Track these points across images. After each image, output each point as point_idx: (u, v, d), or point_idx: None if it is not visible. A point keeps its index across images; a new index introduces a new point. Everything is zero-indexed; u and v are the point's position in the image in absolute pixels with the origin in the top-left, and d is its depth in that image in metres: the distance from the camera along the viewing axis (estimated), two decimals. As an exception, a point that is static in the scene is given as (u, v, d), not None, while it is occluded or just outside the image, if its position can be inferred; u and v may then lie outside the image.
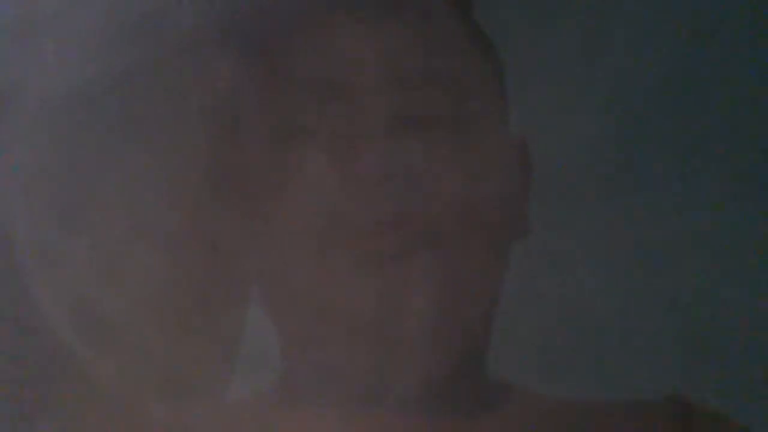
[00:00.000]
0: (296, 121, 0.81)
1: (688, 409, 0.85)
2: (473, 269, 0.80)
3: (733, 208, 0.96)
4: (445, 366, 0.80)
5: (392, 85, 0.80)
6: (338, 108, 0.79)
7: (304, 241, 0.79)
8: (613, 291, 0.95)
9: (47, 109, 0.83)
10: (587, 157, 0.94)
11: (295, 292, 0.80)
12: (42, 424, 0.83)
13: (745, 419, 0.91)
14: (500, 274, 0.83)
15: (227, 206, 0.83)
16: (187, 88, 0.83)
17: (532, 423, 0.83)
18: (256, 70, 0.82)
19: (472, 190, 0.80)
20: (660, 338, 0.95)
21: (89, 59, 0.83)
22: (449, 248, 0.79)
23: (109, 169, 0.83)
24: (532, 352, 0.93)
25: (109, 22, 0.83)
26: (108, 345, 0.82)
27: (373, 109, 0.79)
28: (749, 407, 0.94)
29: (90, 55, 0.83)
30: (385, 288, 0.78)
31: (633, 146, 0.96)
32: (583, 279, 0.94)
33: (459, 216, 0.79)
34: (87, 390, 0.83)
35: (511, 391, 0.85)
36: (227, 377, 0.85)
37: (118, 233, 0.82)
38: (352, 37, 0.80)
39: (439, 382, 0.80)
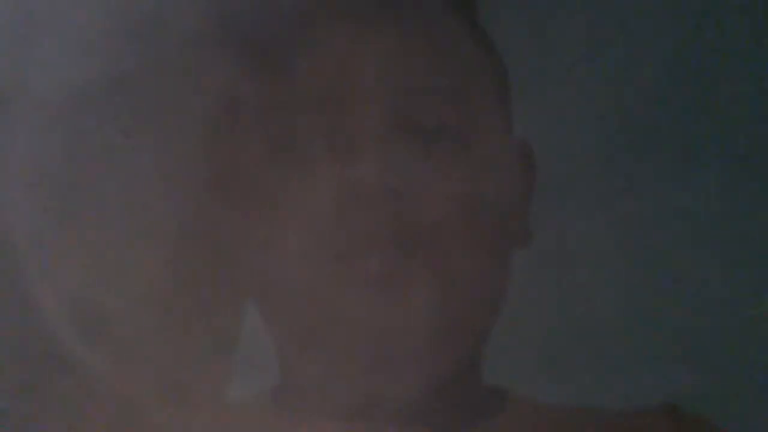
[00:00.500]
0: (295, 128, 0.80)
1: (681, 419, 0.85)
2: (474, 279, 0.80)
3: (733, 206, 0.96)
4: (443, 374, 0.80)
5: (393, 93, 0.79)
6: (337, 114, 0.79)
7: (303, 245, 0.79)
8: (613, 291, 0.95)
9: (47, 109, 0.83)
10: (587, 157, 0.94)
11: (293, 296, 0.80)
12: (42, 424, 0.83)
13: (746, 419, 0.91)
14: (502, 284, 0.83)
15: (227, 207, 0.83)
16: (188, 88, 0.83)
17: (527, 431, 0.83)
18: (257, 71, 0.82)
19: (473, 200, 0.79)
20: (660, 338, 0.95)
21: (89, 59, 0.83)
22: (449, 259, 0.79)
23: (109, 170, 0.83)
24: (532, 352, 0.93)
25: (109, 22, 0.83)
26: (108, 345, 0.82)
27: (373, 117, 0.79)
28: (749, 407, 0.94)
29: (90, 55, 0.83)
30: (385, 295, 0.78)
31: (633, 146, 0.96)
32: (583, 279, 0.94)
33: (459, 226, 0.79)
34: (87, 390, 0.83)
35: (507, 398, 0.85)
36: (227, 378, 0.85)
37: (118, 233, 0.82)
38: (353, 43, 0.80)
39: (436, 390, 0.80)
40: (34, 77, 0.84)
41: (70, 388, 0.83)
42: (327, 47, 0.80)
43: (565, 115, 0.94)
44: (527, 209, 0.86)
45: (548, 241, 0.92)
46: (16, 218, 0.83)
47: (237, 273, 0.83)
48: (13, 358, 0.84)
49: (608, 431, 0.84)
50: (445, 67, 0.81)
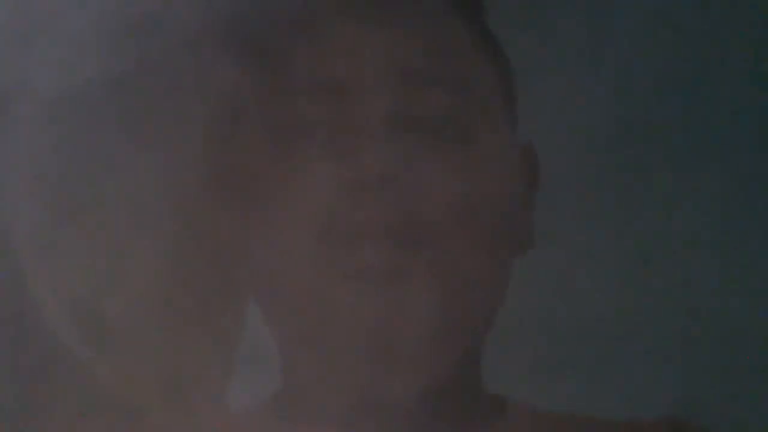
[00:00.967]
0: (296, 122, 0.80)
1: (681, 430, 0.85)
2: (472, 278, 0.79)
3: (733, 208, 0.96)
4: (441, 377, 0.80)
5: (394, 86, 0.79)
6: (338, 108, 0.79)
7: (304, 244, 0.79)
8: (612, 291, 0.95)
9: (47, 109, 0.83)
10: (587, 156, 0.94)
11: (294, 296, 0.80)
12: (42, 424, 0.83)
13: (746, 419, 0.91)
14: (501, 288, 0.82)
15: (227, 207, 0.82)
16: (188, 88, 0.83)
17: None
18: (257, 70, 0.82)
19: (474, 196, 0.79)
20: (660, 340, 0.95)
21: (89, 59, 0.83)
22: (449, 257, 0.78)
23: (109, 169, 0.83)
24: (530, 355, 0.93)
25: (109, 22, 0.83)
26: (108, 345, 0.82)
27: (374, 110, 0.79)
28: (750, 408, 0.94)
29: (90, 55, 0.83)
30: (384, 290, 0.78)
31: (633, 146, 0.96)
32: (583, 279, 0.94)
33: (459, 223, 0.78)
34: (87, 390, 0.83)
35: (506, 405, 0.85)
36: (227, 378, 0.85)
37: (118, 233, 0.82)
38: (354, 36, 0.80)
39: (435, 392, 0.80)
40: (34, 77, 0.84)
41: (70, 388, 0.83)
42: (327, 39, 0.79)
43: (566, 113, 0.94)
44: (530, 214, 0.85)
45: (547, 242, 0.91)
46: (16, 218, 0.83)
47: (237, 272, 0.83)
48: (13, 359, 0.84)
49: None
50: (449, 60, 0.80)
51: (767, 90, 0.97)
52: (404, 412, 0.79)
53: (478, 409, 0.84)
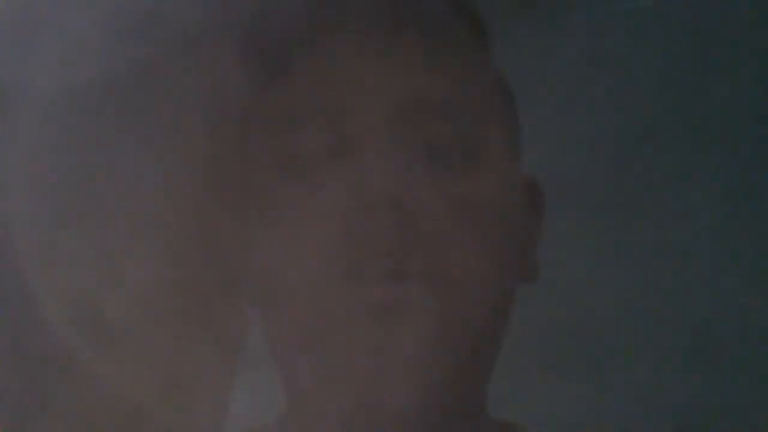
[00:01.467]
0: (299, 145, 0.80)
1: None
2: (476, 305, 0.79)
3: (734, 209, 0.96)
4: (442, 390, 0.79)
5: (397, 113, 0.79)
6: (341, 134, 0.79)
7: (305, 252, 0.79)
8: (612, 291, 0.95)
9: (47, 109, 0.83)
10: (588, 157, 0.94)
11: (294, 304, 0.80)
12: (42, 424, 0.83)
13: (746, 419, 0.91)
14: (505, 316, 0.82)
15: (228, 207, 0.82)
16: (188, 88, 0.83)
17: None
18: (259, 74, 0.82)
19: (479, 223, 0.79)
20: (660, 338, 0.95)
21: (89, 59, 0.83)
22: (453, 282, 0.78)
23: (109, 169, 0.83)
24: (534, 351, 0.93)
25: (109, 21, 0.83)
26: (108, 345, 0.82)
27: (377, 136, 0.79)
28: (750, 406, 0.94)
29: (90, 55, 0.83)
30: (387, 318, 0.77)
31: (633, 147, 0.96)
32: (583, 279, 0.94)
33: (464, 249, 0.78)
34: (87, 390, 0.83)
35: (512, 430, 0.85)
36: (228, 379, 0.85)
37: (118, 233, 0.82)
38: (363, 56, 0.80)
39: (436, 404, 0.79)
40: (34, 77, 0.84)
41: (71, 388, 0.83)
42: (335, 59, 0.79)
43: (566, 116, 0.94)
44: (536, 244, 0.85)
45: (547, 243, 0.91)
46: (16, 218, 0.83)
47: (238, 273, 0.83)
48: (13, 358, 0.84)
49: None
50: (453, 88, 0.80)
51: (767, 91, 0.97)
52: (404, 421, 0.79)
53: (480, 430, 0.83)
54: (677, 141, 0.95)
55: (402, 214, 0.77)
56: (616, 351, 0.94)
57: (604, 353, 0.93)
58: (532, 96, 0.92)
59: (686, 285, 0.95)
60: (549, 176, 0.91)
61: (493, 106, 0.82)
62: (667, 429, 0.93)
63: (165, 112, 0.82)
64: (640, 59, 0.95)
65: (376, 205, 0.77)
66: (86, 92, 0.83)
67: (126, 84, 0.82)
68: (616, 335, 0.94)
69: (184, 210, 0.83)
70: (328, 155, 0.79)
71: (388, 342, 0.77)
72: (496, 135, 0.82)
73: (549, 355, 0.93)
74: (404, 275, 0.77)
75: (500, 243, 0.80)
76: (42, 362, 0.83)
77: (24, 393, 0.83)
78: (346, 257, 0.77)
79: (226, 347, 0.85)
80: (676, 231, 0.95)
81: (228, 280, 0.83)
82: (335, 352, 0.78)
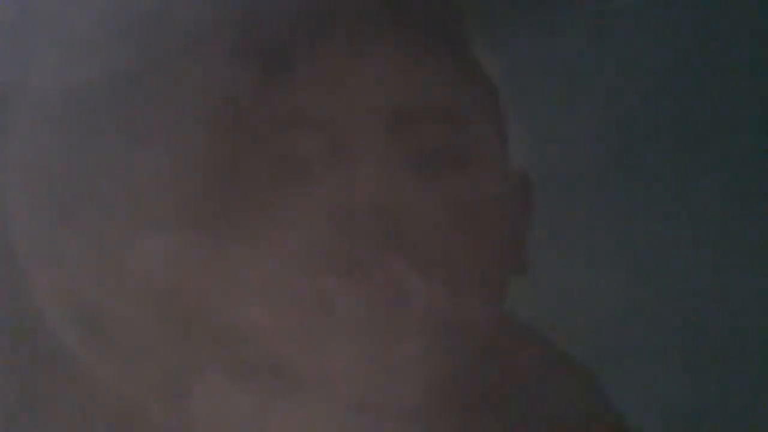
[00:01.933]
0: (288, 152, 0.81)
1: None
2: (467, 308, 0.80)
3: (734, 209, 0.96)
4: (441, 390, 0.80)
5: (384, 119, 0.80)
6: (329, 141, 0.79)
7: (299, 255, 0.79)
8: (612, 291, 0.95)
9: (47, 109, 0.83)
10: (587, 157, 0.94)
11: (294, 300, 0.80)
12: (42, 424, 0.83)
13: (746, 419, 0.91)
14: (496, 315, 0.83)
15: (228, 207, 0.83)
16: (188, 88, 0.83)
17: None
18: (257, 74, 0.82)
19: (468, 224, 0.80)
20: (661, 341, 0.95)
21: (89, 59, 0.83)
22: (443, 285, 0.79)
23: (109, 169, 0.83)
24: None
25: (109, 22, 0.83)
26: (108, 345, 0.82)
27: (365, 142, 0.79)
28: (749, 407, 0.94)
29: (90, 55, 0.83)
30: (379, 324, 0.78)
31: (633, 147, 0.96)
32: (582, 279, 0.94)
33: (454, 252, 0.79)
34: (87, 390, 0.83)
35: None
36: (228, 379, 0.85)
37: (118, 233, 0.82)
38: (343, 71, 0.80)
39: (436, 402, 0.80)
40: (34, 77, 0.84)
41: (70, 388, 0.83)
42: (328, 64, 0.80)
43: (565, 114, 0.94)
44: (525, 238, 0.86)
45: (548, 243, 0.91)
46: (16, 218, 0.83)
47: (237, 274, 0.83)
48: (13, 358, 0.84)
49: None
50: (437, 91, 0.81)
51: (767, 92, 0.97)
52: (404, 417, 0.80)
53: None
54: (677, 141, 0.95)
55: (394, 216, 0.77)
56: (615, 351, 0.94)
57: (603, 353, 0.93)
58: (532, 96, 0.92)
59: (686, 285, 0.95)
60: (548, 176, 0.91)
61: (481, 108, 0.83)
62: (666, 429, 0.93)
63: (166, 112, 0.82)
64: (640, 59, 0.95)
65: (368, 207, 0.77)
66: (86, 92, 0.83)
67: (126, 84, 0.82)
68: (616, 335, 0.94)
69: (184, 210, 0.83)
70: (322, 158, 0.79)
71: (385, 338, 0.77)
72: (485, 136, 0.82)
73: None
74: (397, 274, 0.77)
75: (491, 243, 0.81)
76: (41, 362, 0.83)
77: (23, 393, 0.83)
78: (336, 262, 0.78)
79: (226, 347, 0.85)
80: (676, 231, 0.95)
81: (227, 273, 0.83)
82: (332, 352, 0.79)
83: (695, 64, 0.97)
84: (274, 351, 0.83)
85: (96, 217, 0.83)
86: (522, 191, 0.86)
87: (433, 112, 0.81)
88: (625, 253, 0.96)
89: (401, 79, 0.80)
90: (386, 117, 0.80)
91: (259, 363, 0.84)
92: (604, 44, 0.95)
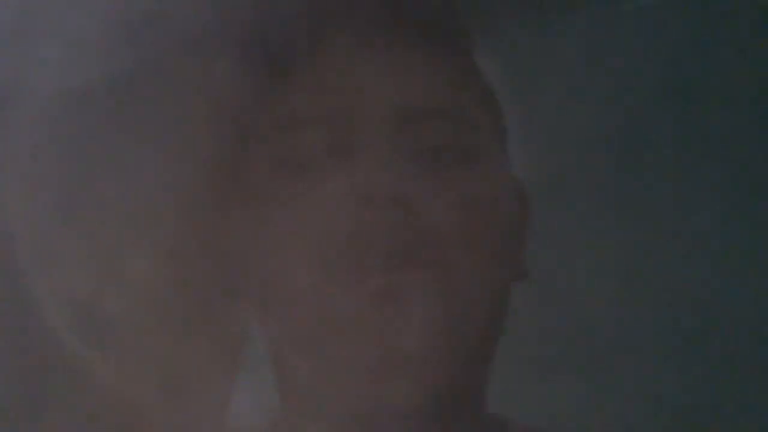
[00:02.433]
0: (299, 146, 0.81)
1: None
2: (473, 299, 0.81)
3: (734, 209, 0.96)
4: (442, 388, 0.80)
5: (392, 116, 0.81)
6: (341, 135, 0.80)
7: (305, 251, 0.80)
8: (612, 291, 0.95)
9: (47, 109, 0.83)
10: (587, 157, 0.94)
11: (293, 305, 0.80)
12: (42, 424, 0.83)
13: (746, 419, 0.91)
14: (501, 313, 0.83)
15: (228, 208, 0.83)
16: (189, 89, 0.83)
17: None
18: (259, 75, 0.82)
19: (475, 217, 0.81)
20: (661, 341, 0.95)
21: (89, 59, 0.83)
22: (451, 276, 0.80)
23: (109, 169, 0.83)
24: (532, 352, 0.93)
25: (109, 22, 0.83)
26: (108, 345, 0.82)
27: (376, 137, 0.80)
28: (749, 408, 0.94)
29: (90, 55, 0.83)
30: (386, 310, 0.79)
31: (633, 147, 0.96)
32: (583, 279, 0.94)
33: (462, 243, 0.80)
34: (87, 390, 0.83)
35: (507, 427, 0.86)
36: (228, 379, 0.85)
37: (118, 233, 0.82)
38: (353, 71, 0.81)
39: (436, 403, 0.80)
40: (34, 77, 0.84)
41: (71, 388, 0.83)
42: (336, 63, 0.81)
43: (566, 114, 0.94)
44: (524, 247, 0.86)
45: (547, 242, 0.92)
46: (16, 218, 0.83)
47: (238, 273, 0.83)
48: (13, 359, 0.84)
49: None
50: (442, 91, 0.82)
51: (767, 92, 0.97)
52: (404, 421, 0.80)
53: (478, 427, 0.84)
54: (677, 141, 0.95)
55: (402, 207, 0.78)
56: (614, 351, 0.94)
57: (602, 353, 0.93)
58: (532, 96, 0.92)
59: (686, 285, 0.95)
60: (548, 176, 0.91)
61: (483, 108, 0.84)
62: (665, 428, 0.93)
63: (166, 112, 0.82)
64: (640, 59, 0.95)
65: (376, 199, 0.78)
66: (86, 92, 0.83)
67: (126, 84, 0.82)
68: (616, 335, 0.94)
69: (184, 210, 0.83)
70: (329, 155, 0.80)
71: (388, 323, 0.78)
72: (487, 137, 0.84)
73: (548, 355, 0.94)
74: (404, 264, 0.78)
75: (495, 238, 0.81)
76: (42, 362, 0.83)
77: (23, 393, 0.83)
78: (347, 250, 0.78)
79: (226, 347, 0.85)
80: (677, 231, 0.95)
81: (228, 274, 0.83)
82: (335, 350, 0.79)
83: (695, 64, 0.97)
84: (274, 350, 0.84)
85: (96, 217, 0.83)
86: (521, 198, 0.87)
87: (438, 111, 0.82)
88: (625, 254, 0.96)
89: (402, 79, 0.81)
90: (394, 115, 0.80)
91: (258, 363, 0.84)
92: (604, 45, 0.95)
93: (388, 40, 0.82)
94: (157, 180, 0.82)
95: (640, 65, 0.96)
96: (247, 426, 0.85)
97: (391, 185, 0.79)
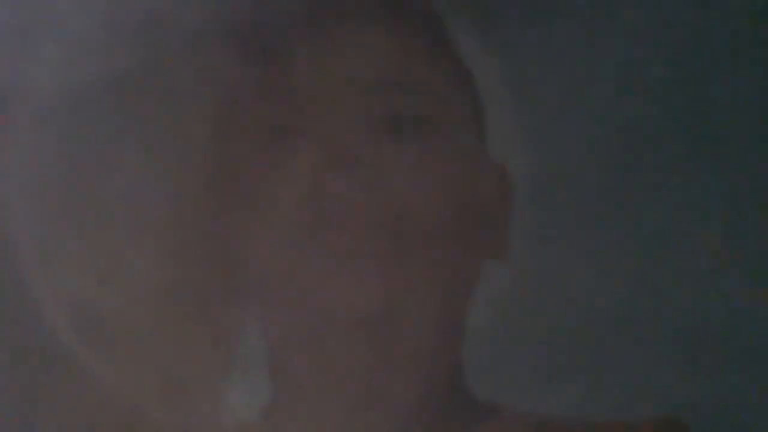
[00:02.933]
0: (287, 122, 0.83)
1: (676, 430, 0.86)
2: (449, 269, 0.82)
3: (734, 209, 0.96)
4: (438, 375, 0.81)
5: (360, 91, 0.83)
6: (312, 112, 0.81)
7: (290, 233, 0.81)
8: (612, 291, 0.95)
9: (47, 109, 0.83)
10: (587, 156, 0.94)
11: (291, 296, 0.81)
12: (42, 424, 0.83)
13: (746, 418, 0.91)
14: (472, 286, 0.85)
15: (227, 208, 0.83)
16: (188, 89, 0.83)
17: None
18: (255, 72, 0.83)
19: (444, 186, 0.82)
20: (661, 340, 0.95)
21: (89, 59, 0.83)
22: (428, 244, 0.81)
23: (109, 170, 0.83)
24: (531, 353, 0.93)
25: (109, 22, 0.83)
26: (108, 345, 0.82)
27: (344, 111, 0.82)
28: (750, 408, 0.94)
29: (90, 55, 0.83)
30: (377, 285, 0.79)
31: (633, 147, 0.96)
32: (583, 279, 0.94)
33: (435, 211, 0.82)
34: (87, 390, 0.83)
35: (497, 409, 0.86)
36: (227, 379, 0.85)
37: (118, 234, 0.82)
38: (320, 50, 0.83)
39: (432, 392, 0.81)
40: (34, 77, 0.84)
41: (70, 388, 0.83)
42: (301, 53, 0.82)
43: (566, 113, 0.94)
44: (506, 227, 0.87)
45: (547, 242, 0.92)
46: (17, 218, 0.83)
47: (237, 272, 0.83)
48: (13, 359, 0.84)
49: None
50: (408, 67, 0.85)
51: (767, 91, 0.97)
52: (401, 412, 0.80)
53: (471, 411, 0.84)
54: (677, 141, 0.95)
55: (363, 169, 0.80)
56: (615, 350, 0.94)
57: (603, 353, 0.93)
58: (532, 96, 0.92)
59: (686, 285, 0.95)
60: (549, 176, 0.91)
61: (452, 84, 0.86)
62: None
63: (165, 112, 0.82)
64: (640, 59, 0.95)
65: (338, 161, 0.80)
66: (86, 92, 0.83)
67: (126, 84, 0.82)
68: (616, 335, 0.94)
69: (184, 210, 0.83)
70: (301, 127, 0.82)
71: (381, 302, 0.79)
72: (456, 112, 0.85)
73: (547, 355, 0.94)
74: (383, 227, 0.79)
75: (462, 210, 0.83)
76: (42, 362, 0.83)
77: (23, 393, 0.83)
78: (327, 216, 0.80)
79: (224, 346, 0.85)
80: (676, 230, 0.95)
81: (227, 273, 0.83)
82: (330, 325, 0.80)
83: (695, 64, 0.97)
84: (271, 349, 0.84)
85: (96, 217, 0.83)
86: (500, 180, 0.87)
87: (403, 85, 0.84)
88: (625, 253, 0.96)
89: (360, 53, 0.83)
90: (346, 87, 0.83)
91: (257, 361, 0.84)
92: (604, 45, 0.95)
93: (358, 18, 0.83)
94: (157, 179, 0.82)
95: (641, 65, 0.96)
96: (244, 425, 0.85)
97: (351, 148, 0.81)
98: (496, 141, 0.88)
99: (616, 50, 0.95)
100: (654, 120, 0.96)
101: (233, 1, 0.83)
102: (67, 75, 0.83)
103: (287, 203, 0.81)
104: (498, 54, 0.89)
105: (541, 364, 0.93)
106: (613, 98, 0.95)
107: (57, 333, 0.82)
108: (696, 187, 0.96)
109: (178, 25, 0.83)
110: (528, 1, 0.94)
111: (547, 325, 0.93)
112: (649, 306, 0.95)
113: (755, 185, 0.96)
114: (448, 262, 0.82)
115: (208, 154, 0.83)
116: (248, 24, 0.83)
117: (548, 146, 0.91)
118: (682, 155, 0.96)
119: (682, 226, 0.96)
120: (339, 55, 0.83)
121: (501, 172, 0.88)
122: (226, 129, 0.83)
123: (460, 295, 0.84)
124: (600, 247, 0.95)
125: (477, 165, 0.86)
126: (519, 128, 0.88)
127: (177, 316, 0.83)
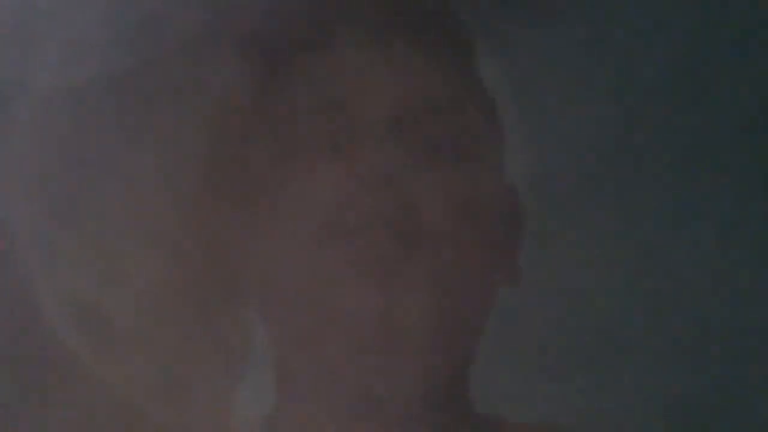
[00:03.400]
0: (298, 132, 0.82)
1: None
2: (466, 282, 0.82)
3: (734, 209, 0.96)
4: (441, 377, 0.81)
5: (391, 105, 0.83)
6: (339, 120, 0.81)
7: (304, 240, 0.80)
8: (612, 291, 0.95)
9: (47, 109, 0.83)
10: (588, 157, 0.94)
11: (291, 297, 0.81)
12: (42, 424, 0.83)
13: (746, 417, 0.91)
14: (488, 303, 0.84)
15: (227, 208, 0.83)
16: (187, 89, 0.83)
17: None
18: (258, 71, 0.83)
19: (467, 205, 0.82)
20: (660, 340, 0.95)
21: (89, 59, 0.83)
22: (444, 258, 0.81)
23: (109, 170, 0.83)
24: (532, 352, 0.93)
25: (109, 22, 0.83)
26: (108, 345, 0.82)
27: (373, 123, 0.82)
28: (750, 406, 0.94)
29: (90, 55, 0.83)
30: (384, 292, 0.79)
31: (633, 147, 0.96)
32: (583, 279, 0.94)
33: (454, 226, 0.81)
34: (87, 390, 0.83)
35: (500, 422, 0.86)
36: (227, 379, 0.85)
37: (118, 234, 0.82)
38: (356, 61, 0.83)
39: (435, 394, 0.81)
40: (34, 77, 0.84)
41: (71, 388, 0.83)
42: (334, 61, 0.82)
43: (566, 112, 0.94)
44: (516, 250, 0.87)
45: (547, 242, 0.92)
46: (17, 218, 0.83)
47: (238, 272, 0.83)
48: (13, 359, 0.84)
49: None
50: (442, 89, 0.83)
51: (767, 90, 0.97)
52: (404, 413, 0.80)
53: (470, 420, 0.85)
54: (677, 140, 0.95)
55: (393, 189, 0.80)
56: (615, 350, 0.94)
57: (603, 352, 0.93)
58: (532, 96, 0.92)
59: (686, 284, 0.95)
60: (549, 176, 0.91)
61: (481, 111, 0.85)
62: (667, 426, 0.93)
63: (165, 111, 0.82)
64: (640, 59, 0.95)
65: (368, 179, 0.80)
66: (86, 92, 0.83)
67: (126, 84, 0.82)
68: (616, 335, 0.94)
69: (185, 210, 0.83)
70: (326, 144, 0.81)
71: (386, 307, 0.79)
72: (484, 136, 0.85)
73: (547, 355, 0.94)
74: (400, 241, 0.79)
75: (483, 236, 0.82)
76: (42, 362, 0.83)
77: (23, 393, 0.83)
78: (345, 228, 0.79)
79: (226, 346, 0.85)
80: (676, 230, 0.95)
81: (227, 274, 0.83)
82: (332, 324, 0.79)
83: (695, 63, 0.97)
84: (274, 349, 0.84)
85: (96, 217, 0.83)
86: (512, 205, 0.88)
87: (435, 106, 0.84)
88: (625, 253, 0.96)
89: (399, 76, 0.82)
90: (391, 105, 0.82)
91: (262, 363, 0.84)
92: (604, 45, 0.95)
93: (388, 39, 0.83)
94: (157, 179, 0.82)
95: (640, 65, 0.96)
96: (246, 424, 0.85)
97: (383, 167, 0.80)
98: (515, 164, 0.88)
99: (615, 51, 0.95)
100: (653, 119, 0.96)
101: (235, 4, 0.83)
102: (67, 75, 0.83)
103: (303, 212, 0.81)
104: (498, 54, 0.89)
105: (540, 362, 0.93)
106: (612, 98, 0.95)
107: (57, 332, 0.82)
108: (696, 187, 0.96)
109: (179, 25, 0.83)
110: (528, 2, 0.94)
111: (546, 326, 0.93)
112: (648, 304, 0.95)
113: (755, 185, 0.96)
114: (462, 267, 0.82)
115: (208, 155, 0.83)
116: (252, 24, 0.83)
117: (548, 146, 0.91)
118: (681, 155, 0.96)
119: (681, 226, 0.96)
120: (370, 70, 0.83)
121: (513, 195, 0.88)
122: (227, 130, 0.83)
123: (468, 310, 0.84)
124: (599, 246, 0.95)
125: (494, 190, 0.86)
126: (519, 128, 0.88)
127: (178, 317, 0.83)
